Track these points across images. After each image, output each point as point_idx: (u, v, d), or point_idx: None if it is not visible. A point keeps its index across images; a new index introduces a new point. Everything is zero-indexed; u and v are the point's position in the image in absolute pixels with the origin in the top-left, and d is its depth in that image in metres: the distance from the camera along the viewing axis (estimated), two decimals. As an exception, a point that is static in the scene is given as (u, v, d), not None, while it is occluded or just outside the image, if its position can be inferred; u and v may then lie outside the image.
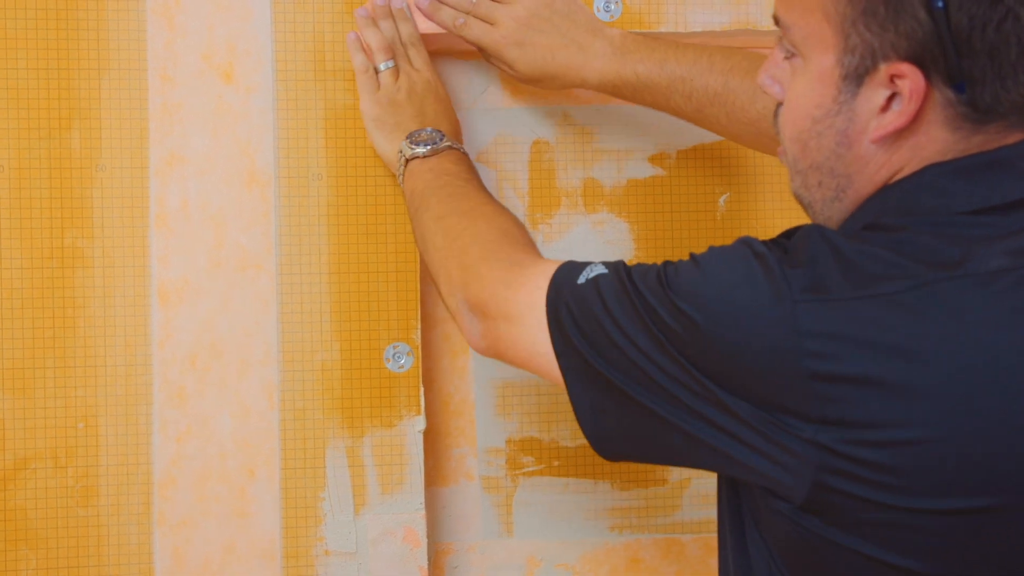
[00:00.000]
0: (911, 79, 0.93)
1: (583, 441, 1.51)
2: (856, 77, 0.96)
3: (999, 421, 0.91)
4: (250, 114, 1.44)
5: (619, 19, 1.47)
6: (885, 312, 0.91)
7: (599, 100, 1.53)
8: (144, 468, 1.42)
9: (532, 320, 1.07)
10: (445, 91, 1.43)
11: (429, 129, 1.37)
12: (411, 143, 1.35)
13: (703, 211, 1.55)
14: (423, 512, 1.43)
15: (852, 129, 0.98)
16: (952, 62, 0.92)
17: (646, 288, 0.99)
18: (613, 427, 1.04)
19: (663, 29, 1.48)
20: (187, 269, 1.43)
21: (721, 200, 1.55)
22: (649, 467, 1.53)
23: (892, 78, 0.94)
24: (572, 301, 1.04)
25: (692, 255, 1.01)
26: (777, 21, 1.03)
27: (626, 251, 1.54)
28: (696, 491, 1.54)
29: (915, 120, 0.95)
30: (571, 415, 1.53)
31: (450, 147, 1.36)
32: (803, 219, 1.07)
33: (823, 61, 0.98)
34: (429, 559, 1.45)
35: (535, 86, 1.45)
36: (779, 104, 1.05)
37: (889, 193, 0.99)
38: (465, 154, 1.38)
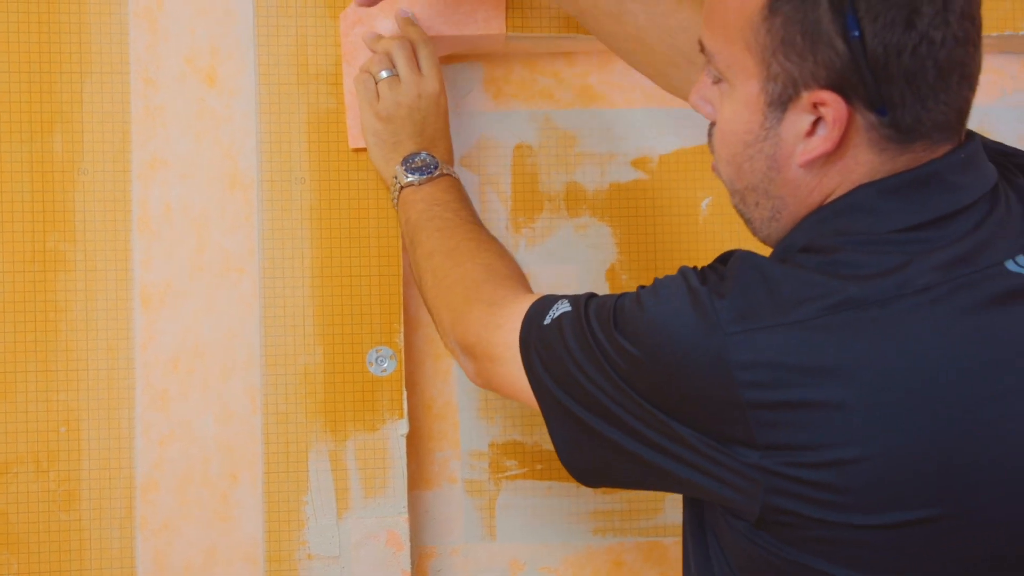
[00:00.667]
0: (833, 106, 0.95)
1: (566, 444, 1.52)
2: (780, 104, 0.97)
3: (934, 433, 0.92)
4: (233, 117, 1.44)
5: None
6: (813, 334, 0.93)
7: (582, 104, 1.54)
8: (126, 472, 1.41)
9: (512, 360, 1.11)
10: (446, 100, 1.42)
11: (424, 154, 1.37)
12: (406, 170, 1.36)
13: (685, 215, 1.55)
14: (406, 516, 1.43)
15: (780, 153, 0.99)
16: (871, 88, 0.93)
17: (598, 325, 1.02)
18: (587, 459, 1.07)
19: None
20: (170, 272, 1.43)
21: (703, 204, 1.56)
22: (632, 470, 1.53)
23: (815, 105, 0.96)
24: (539, 343, 1.07)
25: (639, 288, 1.03)
26: (702, 47, 1.04)
27: (608, 255, 1.54)
28: (678, 495, 1.54)
29: (841, 144, 0.97)
30: (554, 418, 1.53)
31: (443, 174, 1.36)
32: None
33: (748, 88, 0.99)
34: (412, 563, 1.45)
35: None
36: (712, 124, 1.06)
37: (822, 214, 1.00)
38: (457, 179, 1.39)
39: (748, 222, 1.07)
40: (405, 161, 1.36)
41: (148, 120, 1.43)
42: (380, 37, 1.42)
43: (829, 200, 1.00)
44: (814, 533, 0.94)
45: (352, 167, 1.44)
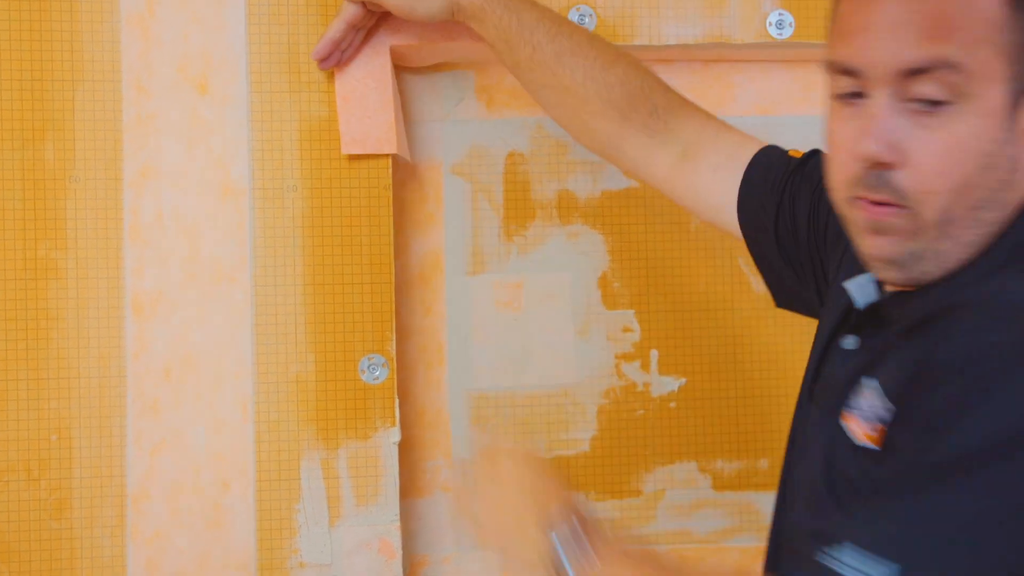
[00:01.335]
0: None
1: (558, 452, 1.52)
2: (1016, 98, 0.92)
3: None
4: (225, 125, 1.44)
5: (593, 32, 1.48)
6: None
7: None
8: (118, 480, 1.41)
9: None
10: None
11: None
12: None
13: (677, 223, 1.55)
14: (398, 524, 1.43)
15: (1021, 152, 0.93)
16: None
17: None
18: None
19: (637, 42, 1.49)
20: (161, 281, 1.42)
21: (695, 212, 1.56)
22: (623, 478, 1.54)
23: None
24: None
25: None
26: (910, 71, 0.92)
27: (600, 262, 1.54)
28: (670, 502, 1.54)
29: None
30: (545, 427, 1.54)
31: None
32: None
33: (991, 93, 0.91)
34: (404, 571, 1.44)
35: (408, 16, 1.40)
36: (885, 172, 0.94)
37: None
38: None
39: (924, 261, 0.96)
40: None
41: (140, 128, 1.43)
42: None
43: None
44: None
45: (344, 175, 1.44)
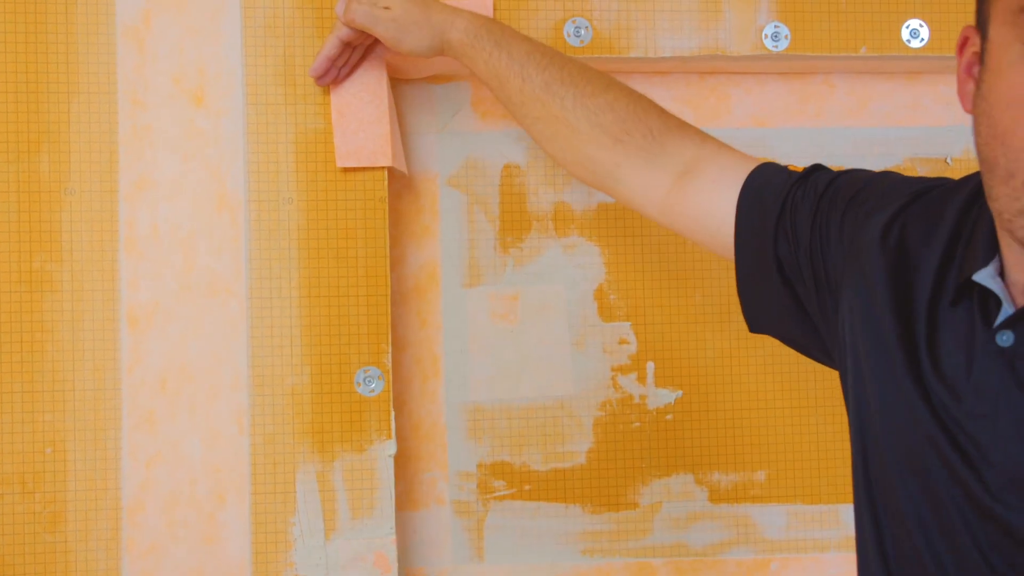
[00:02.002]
0: None
1: (554, 464, 1.52)
2: None
3: None
4: (220, 138, 1.44)
5: (589, 44, 1.48)
6: None
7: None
8: (113, 493, 1.41)
9: None
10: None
11: None
12: None
13: (673, 235, 1.55)
14: (394, 537, 1.43)
15: None
16: None
17: None
18: None
19: (633, 55, 1.49)
20: (156, 293, 1.42)
21: (691, 224, 1.56)
22: (620, 491, 1.53)
23: None
24: None
25: None
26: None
27: (597, 274, 1.54)
28: (667, 515, 1.54)
29: None
30: (541, 439, 1.54)
31: None
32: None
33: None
34: (400, 584, 1.44)
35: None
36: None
37: None
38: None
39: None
40: None
41: (135, 140, 1.43)
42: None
43: None
44: None
45: (340, 187, 1.44)
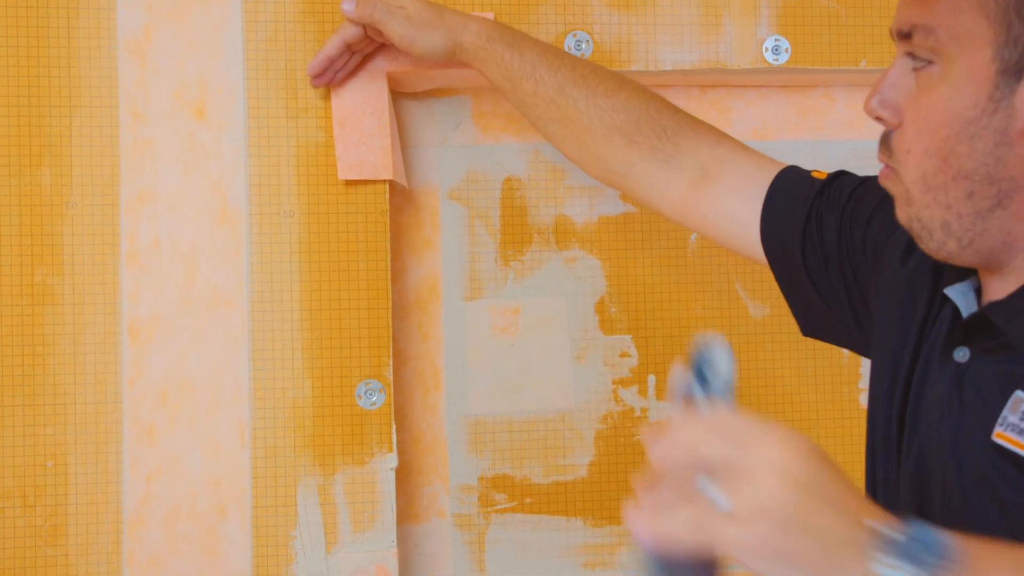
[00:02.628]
0: None
1: (555, 478, 1.52)
2: (1016, 71, 0.88)
3: None
4: (222, 151, 1.44)
5: (590, 58, 1.49)
6: None
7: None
8: (114, 507, 1.41)
9: None
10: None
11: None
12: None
13: (674, 248, 1.55)
14: (395, 550, 1.43)
15: (1012, 127, 0.90)
16: None
17: None
18: None
19: (634, 68, 1.49)
20: (158, 306, 1.42)
21: (692, 237, 1.56)
22: (621, 504, 1.53)
23: None
24: None
25: None
26: (902, 33, 0.95)
27: (598, 287, 1.54)
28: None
29: None
30: (542, 452, 1.53)
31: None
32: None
33: (976, 58, 0.90)
34: (401, 597, 1.44)
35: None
36: (889, 131, 0.97)
37: None
38: None
39: (941, 227, 0.94)
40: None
41: (137, 154, 1.43)
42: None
43: None
44: None
45: (341, 200, 1.44)
